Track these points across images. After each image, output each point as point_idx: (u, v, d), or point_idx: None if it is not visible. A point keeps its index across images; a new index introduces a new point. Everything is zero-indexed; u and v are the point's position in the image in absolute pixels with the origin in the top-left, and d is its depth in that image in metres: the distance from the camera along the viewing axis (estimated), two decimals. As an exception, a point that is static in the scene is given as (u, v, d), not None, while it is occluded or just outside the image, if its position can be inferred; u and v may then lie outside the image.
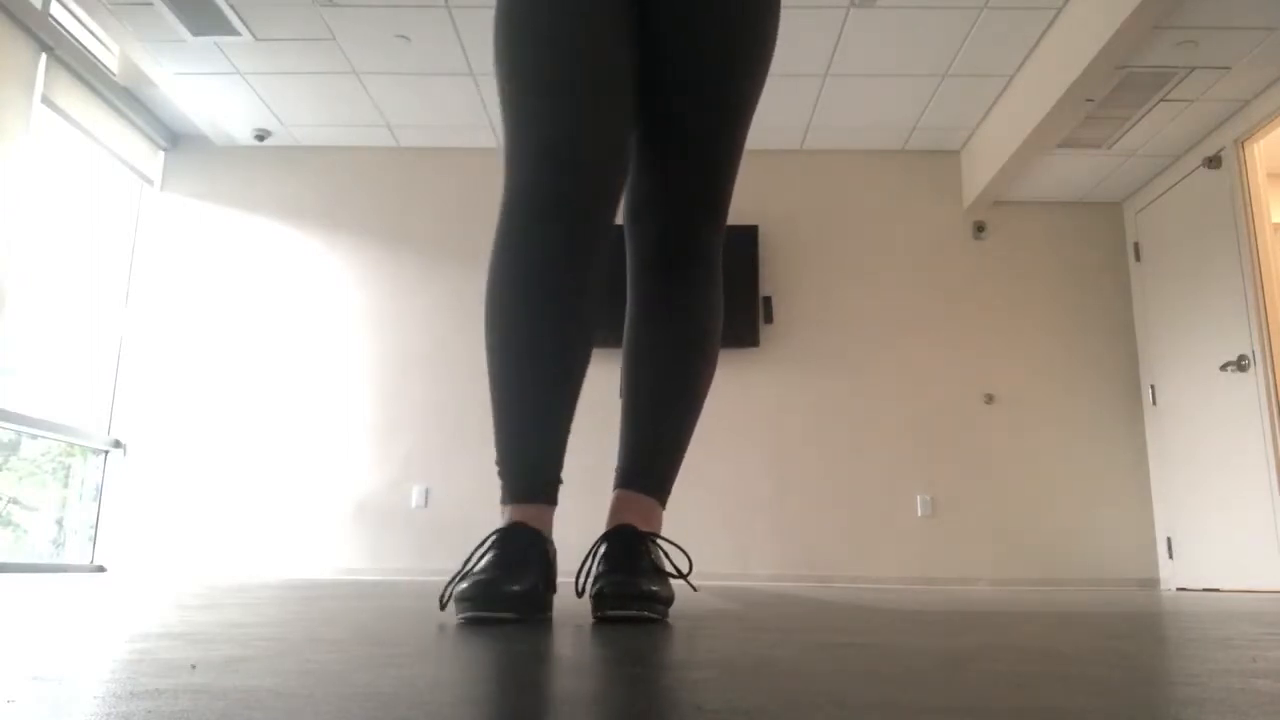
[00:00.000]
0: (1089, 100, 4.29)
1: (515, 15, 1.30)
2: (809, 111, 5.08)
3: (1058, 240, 5.44)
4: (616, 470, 1.41)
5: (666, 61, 1.36)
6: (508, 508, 1.25)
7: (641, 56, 1.36)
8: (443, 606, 1.17)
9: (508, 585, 1.13)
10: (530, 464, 1.27)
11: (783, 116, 5.12)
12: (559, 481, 1.29)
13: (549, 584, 1.21)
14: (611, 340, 1.45)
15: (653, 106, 1.38)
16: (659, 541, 1.33)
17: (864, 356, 5.27)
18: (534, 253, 1.25)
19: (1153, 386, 5.13)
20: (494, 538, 1.19)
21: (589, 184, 1.25)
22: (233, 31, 4.33)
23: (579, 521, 5.45)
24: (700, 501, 4.93)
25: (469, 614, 1.12)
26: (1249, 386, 4.38)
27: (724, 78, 1.37)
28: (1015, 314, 5.33)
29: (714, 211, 1.42)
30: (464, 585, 1.13)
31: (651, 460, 1.41)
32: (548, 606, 1.23)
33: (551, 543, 1.25)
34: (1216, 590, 4.47)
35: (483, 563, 1.16)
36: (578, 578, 1.29)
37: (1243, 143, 4.47)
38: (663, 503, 1.40)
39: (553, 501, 1.27)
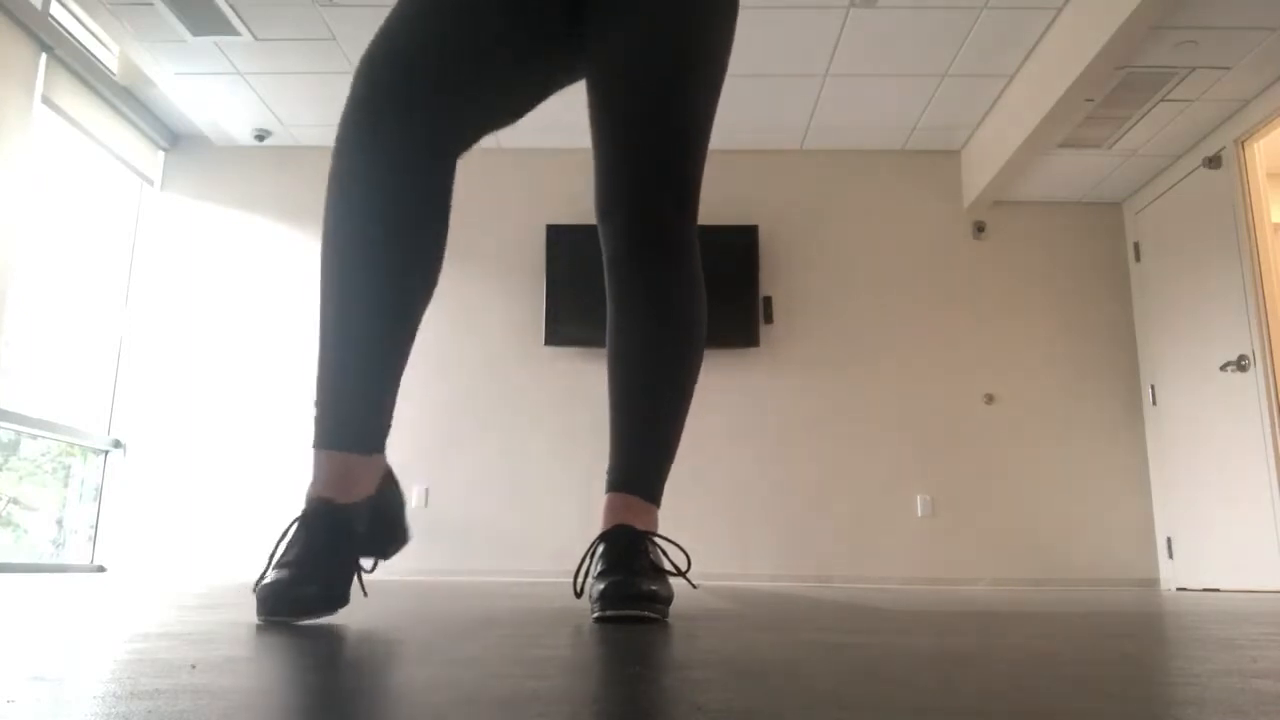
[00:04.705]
0: (1089, 100, 4.29)
1: None
2: (809, 111, 5.07)
3: (1058, 240, 5.44)
4: (607, 472, 1.39)
5: (614, 46, 1.34)
6: (322, 455, 1.18)
7: (587, 41, 1.35)
8: (255, 592, 1.13)
9: (300, 588, 1.10)
10: (354, 402, 1.22)
11: (783, 116, 5.12)
12: (388, 426, 1.24)
13: (363, 552, 1.18)
14: (598, 341, 1.44)
15: (604, 94, 1.36)
16: (657, 540, 1.32)
17: (864, 356, 5.27)
18: (379, 168, 1.21)
19: (1153, 386, 5.13)
20: (295, 525, 1.16)
21: (440, 113, 1.23)
22: (233, 31, 4.33)
23: (578, 522, 5.44)
24: (700, 501, 4.93)
25: (262, 618, 1.10)
26: (1249, 386, 4.38)
27: (675, 58, 1.34)
28: (1015, 314, 5.33)
29: (679, 198, 1.37)
30: (262, 585, 1.11)
31: (641, 462, 1.39)
32: (372, 558, 1.19)
33: (375, 497, 1.20)
34: (1216, 590, 4.47)
35: (287, 557, 1.13)
36: (576, 577, 1.29)
37: (1243, 143, 4.47)
38: (656, 504, 1.39)
39: (377, 449, 1.22)
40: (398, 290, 1.24)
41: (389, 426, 1.24)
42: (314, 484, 1.18)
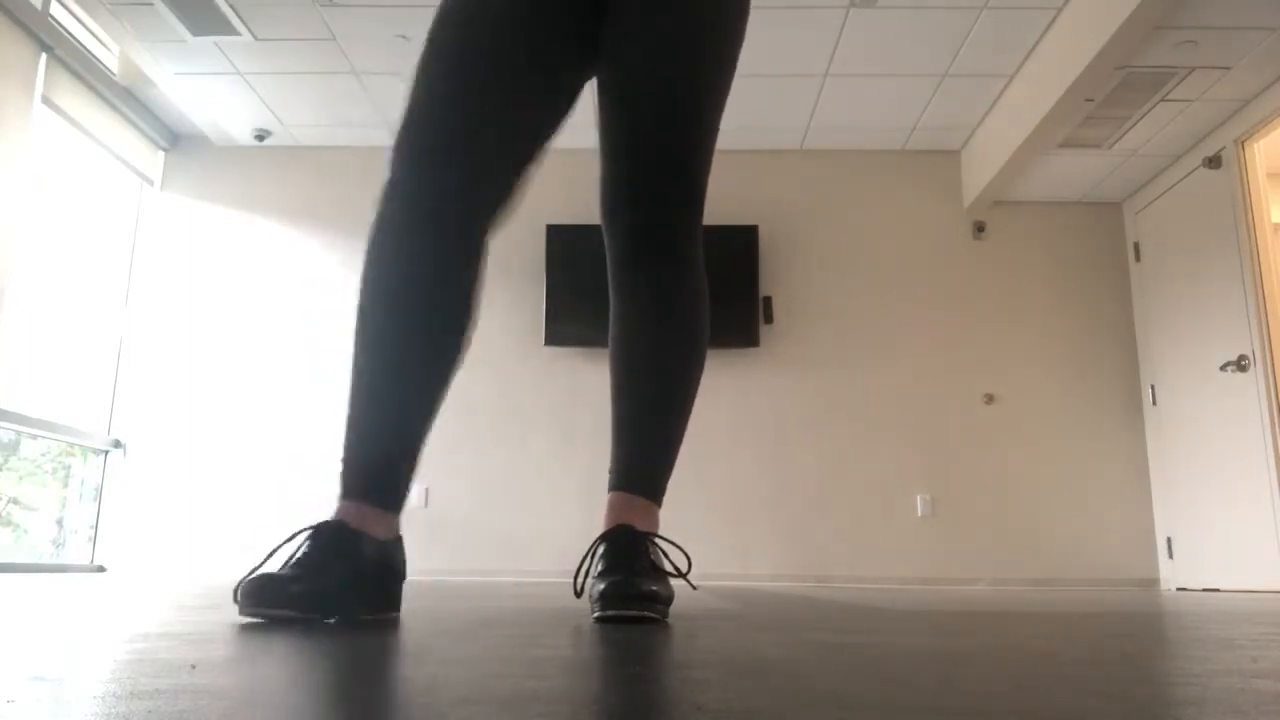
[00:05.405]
0: (1089, 100, 4.28)
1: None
2: (809, 111, 5.07)
3: (1058, 240, 5.44)
4: (609, 472, 1.39)
5: (627, 48, 1.35)
6: (348, 505, 1.21)
7: (601, 43, 1.35)
8: (235, 599, 1.10)
9: (289, 585, 1.09)
10: (375, 461, 1.24)
11: (783, 116, 5.11)
12: (406, 489, 1.25)
13: (360, 584, 1.16)
14: (601, 341, 1.44)
15: (616, 95, 1.36)
16: (658, 540, 1.32)
17: (864, 356, 5.27)
18: (404, 257, 1.27)
19: (1153, 386, 5.13)
20: (305, 533, 1.16)
21: (467, 193, 1.26)
22: (233, 31, 4.33)
23: (579, 522, 5.43)
24: (700, 501, 4.93)
25: (246, 613, 1.09)
26: (1249, 386, 4.38)
27: (688, 61, 1.35)
28: (1015, 314, 5.33)
29: (690, 199, 1.38)
30: (250, 578, 1.09)
31: (643, 462, 1.39)
32: (363, 607, 1.18)
33: (384, 543, 1.20)
34: (1216, 590, 4.47)
35: (288, 562, 1.13)
36: (576, 577, 1.29)
37: (1243, 143, 4.47)
38: (658, 504, 1.39)
39: (393, 508, 1.23)
40: (429, 368, 1.27)
41: (408, 492, 1.27)
42: (335, 515, 1.20)
